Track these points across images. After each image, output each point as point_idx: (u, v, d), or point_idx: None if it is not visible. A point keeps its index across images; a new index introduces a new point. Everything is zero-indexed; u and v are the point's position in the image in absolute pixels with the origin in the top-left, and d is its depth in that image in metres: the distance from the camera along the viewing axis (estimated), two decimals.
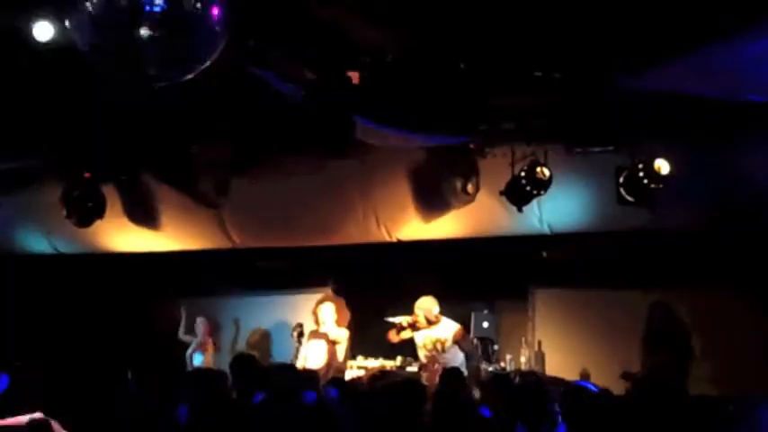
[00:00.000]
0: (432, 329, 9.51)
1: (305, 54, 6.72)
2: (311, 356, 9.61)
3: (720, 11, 5.51)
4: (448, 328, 9.53)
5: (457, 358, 9.43)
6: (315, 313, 9.89)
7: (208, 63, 4.14)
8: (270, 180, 9.42)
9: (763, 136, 7.45)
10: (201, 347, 11.05)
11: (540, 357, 10.06)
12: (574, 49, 6.46)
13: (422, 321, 9.49)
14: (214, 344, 11.16)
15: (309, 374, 7.25)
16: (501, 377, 7.48)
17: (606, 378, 8.67)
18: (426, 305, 9.49)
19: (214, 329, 11.42)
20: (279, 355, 11.07)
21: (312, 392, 5.81)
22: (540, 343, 10.18)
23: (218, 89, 6.90)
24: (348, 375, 9.52)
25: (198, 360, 10.99)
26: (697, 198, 8.05)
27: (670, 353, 9.11)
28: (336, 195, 9.32)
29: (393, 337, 9.58)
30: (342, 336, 9.71)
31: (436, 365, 9.17)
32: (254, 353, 10.69)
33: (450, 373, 7.37)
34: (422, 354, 9.59)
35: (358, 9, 6.04)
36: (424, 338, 9.56)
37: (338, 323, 9.77)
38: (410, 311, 9.58)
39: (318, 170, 9.14)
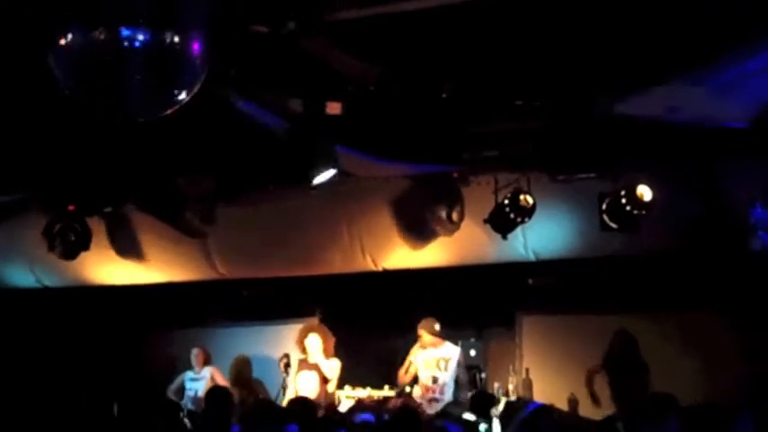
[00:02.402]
0: (437, 349, 9.59)
1: (288, 85, 6.77)
2: (303, 388, 9.58)
3: (697, 41, 5.60)
4: (451, 349, 9.67)
5: (451, 383, 9.51)
6: (301, 343, 9.87)
7: (188, 97, 4.15)
8: (255, 210, 9.45)
9: (742, 161, 7.52)
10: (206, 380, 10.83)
11: (528, 384, 10.05)
12: (555, 76, 6.52)
13: (425, 339, 9.55)
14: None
15: (303, 404, 7.18)
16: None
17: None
18: (428, 322, 9.60)
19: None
20: (264, 387, 11.02)
21: (294, 425, 5.76)
22: (527, 370, 10.17)
23: (202, 121, 6.92)
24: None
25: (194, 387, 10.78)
26: (680, 223, 8.09)
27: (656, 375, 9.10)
28: (321, 225, 9.32)
29: (403, 377, 9.64)
30: (334, 367, 9.70)
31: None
32: (239, 383, 10.69)
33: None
34: (423, 374, 9.60)
35: (339, 40, 6.09)
36: (427, 358, 9.62)
37: (326, 352, 9.74)
38: (397, 341, 9.63)
39: (303, 200, 9.15)
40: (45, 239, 9.59)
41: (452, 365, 9.56)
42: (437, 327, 9.59)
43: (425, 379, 9.57)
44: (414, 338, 9.72)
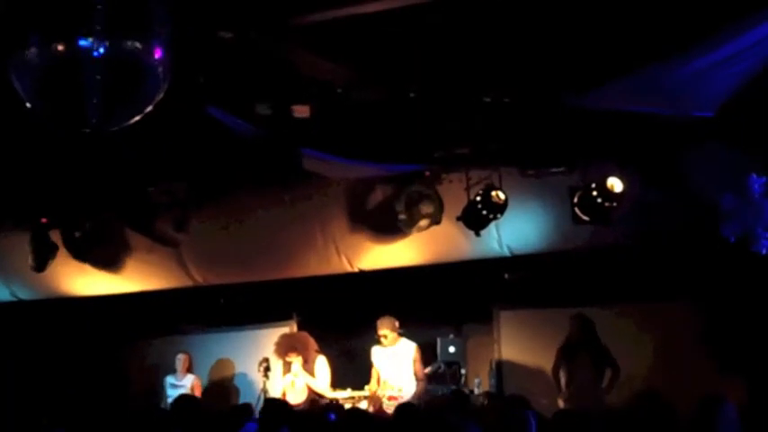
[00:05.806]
0: (394, 347, 9.61)
1: (256, 90, 6.76)
2: (291, 391, 9.60)
3: (663, 31, 5.64)
4: (408, 345, 9.66)
5: (409, 379, 9.54)
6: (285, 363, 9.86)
7: (151, 106, 4.13)
8: (227, 216, 9.43)
9: (711, 151, 7.56)
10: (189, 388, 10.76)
11: (508, 378, 10.09)
12: (522, 71, 6.55)
13: (390, 338, 9.55)
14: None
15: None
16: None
17: None
18: (389, 321, 9.60)
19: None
20: (245, 392, 11.00)
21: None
22: (505, 363, 10.22)
23: (171, 128, 6.90)
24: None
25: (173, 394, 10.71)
26: (652, 214, 8.12)
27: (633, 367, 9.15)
28: (295, 228, 9.29)
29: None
30: (321, 367, 9.73)
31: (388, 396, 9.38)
32: (219, 390, 10.67)
33: (404, 409, 7.21)
34: (383, 373, 9.63)
35: (305, 43, 6.09)
36: (385, 356, 9.65)
37: (307, 364, 9.72)
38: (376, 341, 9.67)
39: (276, 204, 9.15)
40: (31, 252, 9.57)
41: (408, 361, 9.57)
42: (397, 324, 9.61)
43: (385, 377, 9.60)
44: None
